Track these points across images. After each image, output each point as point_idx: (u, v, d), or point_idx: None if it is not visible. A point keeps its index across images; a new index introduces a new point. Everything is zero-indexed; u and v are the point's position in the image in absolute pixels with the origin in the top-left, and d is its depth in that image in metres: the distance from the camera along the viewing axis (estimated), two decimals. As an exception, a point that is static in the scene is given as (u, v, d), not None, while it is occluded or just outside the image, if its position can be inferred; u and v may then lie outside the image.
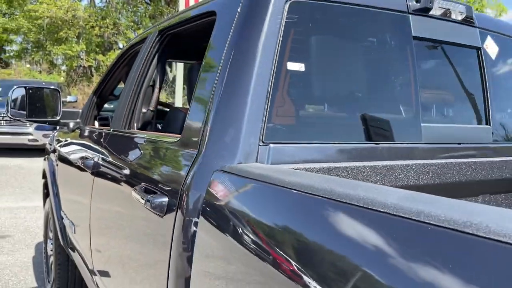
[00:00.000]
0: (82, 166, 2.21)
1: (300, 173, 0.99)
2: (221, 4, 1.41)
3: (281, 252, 0.79)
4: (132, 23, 25.33)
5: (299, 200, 0.84)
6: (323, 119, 1.35)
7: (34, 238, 4.58)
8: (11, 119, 9.29)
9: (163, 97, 16.84)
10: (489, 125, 1.61)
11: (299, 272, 0.73)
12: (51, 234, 3.32)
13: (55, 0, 22.02)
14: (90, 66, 24.02)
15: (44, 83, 11.82)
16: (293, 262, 0.75)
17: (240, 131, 1.14)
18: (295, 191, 0.84)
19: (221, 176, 1.08)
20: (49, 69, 25.57)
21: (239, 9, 1.28)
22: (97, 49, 23.81)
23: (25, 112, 2.43)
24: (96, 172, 1.97)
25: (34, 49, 25.56)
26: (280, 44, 1.20)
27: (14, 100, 2.46)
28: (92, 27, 23.04)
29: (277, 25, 1.21)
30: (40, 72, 24.73)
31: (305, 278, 0.71)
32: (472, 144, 1.54)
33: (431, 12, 1.49)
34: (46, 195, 3.55)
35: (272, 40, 1.20)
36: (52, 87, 2.67)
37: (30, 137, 9.60)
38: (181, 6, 10.49)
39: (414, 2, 1.47)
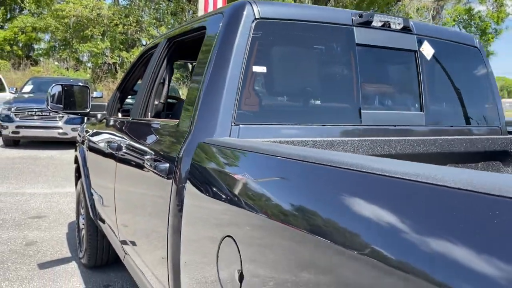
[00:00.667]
0: (107, 148, 2.74)
1: (260, 142, 1.47)
2: (209, 22, 1.89)
3: (245, 198, 1.23)
4: (154, 20, 26.03)
5: (257, 160, 1.30)
6: (280, 107, 1.82)
7: (67, 219, 5.18)
8: (44, 114, 10.00)
9: (183, 90, 17.54)
10: (422, 111, 2.04)
11: (263, 216, 1.10)
12: (82, 211, 3.89)
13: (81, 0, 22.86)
14: (114, 63, 24.87)
15: (71, 80, 12.56)
16: (251, 203, 1.19)
17: (218, 116, 1.62)
18: (255, 153, 1.30)
19: (203, 145, 1.56)
20: (75, 66, 26.57)
21: (220, 26, 1.76)
22: (121, 46, 24.62)
23: (61, 106, 2.97)
24: (119, 152, 2.49)
25: (61, 47, 26.56)
26: (247, 52, 1.67)
27: (53, 96, 2.99)
28: (116, 25, 23.83)
29: (246, 38, 1.68)
30: (67, 69, 25.73)
31: (268, 219, 1.09)
32: (406, 126, 1.98)
33: (372, 24, 1.93)
34: (77, 178, 4.13)
35: (242, 49, 1.67)
36: (83, 84, 3.21)
37: (60, 130, 10.28)
38: (201, 4, 11.04)
39: (358, 17, 1.91)
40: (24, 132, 10.23)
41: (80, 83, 3.41)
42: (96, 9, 23.20)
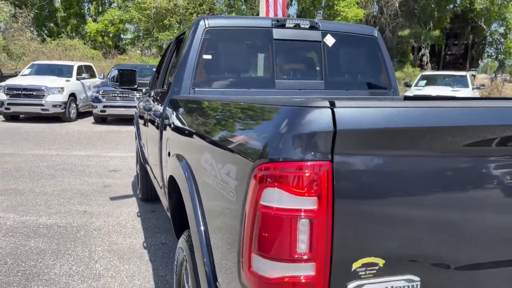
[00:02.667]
0: (141, 110, 4.17)
1: (206, 96, 2.75)
2: (188, 29, 3.17)
3: (193, 127, 2.52)
4: (226, 7, 27.71)
5: (205, 105, 2.56)
6: (220, 79, 3.06)
7: (134, 173, 6.82)
8: (125, 95, 11.93)
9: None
10: (322, 80, 3.18)
11: (198, 138, 2.48)
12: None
13: (159, -8, 25.09)
14: (190, 49, 26.92)
15: (148, 66, 14.48)
16: (195, 129, 2.50)
17: (182, 84, 2.91)
18: (204, 101, 2.57)
19: (173, 100, 2.87)
20: (157, 53, 29.21)
21: (190, 32, 3.04)
22: (196, 33, 26.57)
23: (118, 83, 4.44)
24: (146, 111, 3.89)
25: (144, 36, 29.31)
26: (200, 47, 2.94)
27: (113, 77, 4.47)
28: (191, 13, 25.84)
29: (199, 39, 2.95)
30: (149, 56, 28.34)
31: (202, 140, 2.47)
32: (309, 90, 3.13)
33: (286, 26, 3.10)
34: (135, 138, 5.70)
35: (197, 45, 2.94)
36: (132, 68, 4.69)
37: (136, 110, 12.21)
38: (262, 10, 12.36)
39: (276, 22, 3.09)
40: (109, 111, 12.30)
41: (134, 69, 4.88)
42: (173, 0, 25.39)
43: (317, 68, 3.20)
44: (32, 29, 29.14)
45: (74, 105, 13.27)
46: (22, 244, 3.95)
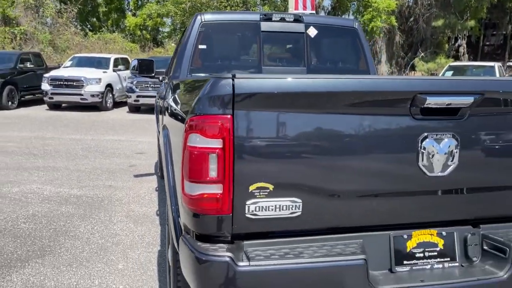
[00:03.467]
0: (157, 95, 4.75)
1: (184, 78, 3.27)
2: (189, 24, 3.70)
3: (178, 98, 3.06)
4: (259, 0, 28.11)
5: (177, 85, 3.10)
6: (213, 65, 3.56)
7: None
8: (156, 86, 12.62)
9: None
10: (305, 67, 3.62)
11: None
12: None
13: (194, -14, 25.80)
14: (223, 42, 27.59)
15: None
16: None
17: (181, 70, 3.44)
18: (178, 82, 3.10)
19: (175, 82, 3.41)
20: (192, 46, 30.02)
21: (189, 26, 3.56)
22: (229, 26, 27.19)
23: (137, 71, 5.04)
24: (158, 96, 4.46)
25: (181, 30, 30.20)
26: (196, 38, 3.46)
27: (134, 66, 5.08)
28: (225, 6, 26.42)
29: (196, 31, 3.46)
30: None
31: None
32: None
33: (273, 19, 3.56)
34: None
35: (194, 36, 3.46)
36: (150, 58, 5.28)
37: (156, 97, 12.98)
38: (291, 3, 12.79)
39: (264, 16, 3.56)
40: (142, 100, 13.09)
41: (152, 59, 5.48)
42: (207, -7, 26.06)
43: (301, 56, 3.65)
44: (76, 23, 30.69)
45: (111, 95, 14.17)
46: (55, 209, 4.64)
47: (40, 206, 4.73)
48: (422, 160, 1.69)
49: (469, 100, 1.66)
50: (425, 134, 1.68)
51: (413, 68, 22.24)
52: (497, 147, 1.78)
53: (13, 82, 13.44)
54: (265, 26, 3.54)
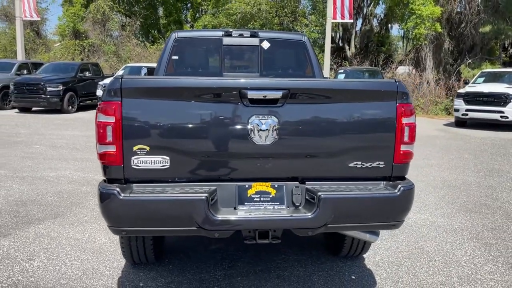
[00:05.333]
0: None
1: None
2: (170, 39, 4.67)
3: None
4: (310, 9, 28.91)
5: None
6: (184, 72, 4.49)
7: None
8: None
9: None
10: (258, 73, 4.45)
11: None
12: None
13: (244, -1, 27.16)
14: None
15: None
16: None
17: (158, 75, 4.42)
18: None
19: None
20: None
21: (166, 41, 4.53)
22: (277, 36, 28.19)
23: (146, 78, 6.11)
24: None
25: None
26: (170, 50, 4.42)
27: (144, 73, 6.14)
28: (273, 17, 27.52)
29: (171, 45, 4.42)
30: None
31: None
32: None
33: (233, 35, 4.44)
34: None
35: (168, 49, 4.42)
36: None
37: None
38: (329, 11, 13.50)
39: (225, 33, 4.45)
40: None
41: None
42: (257, 5, 27.29)
43: (255, 65, 4.48)
44: (138, 36, 33.23)
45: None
46: (77, 188, 5.79)
47: (67, 186, 5.91)
48: (253, 133, 2.50)
49: (278, 94, 2.46)
50: (254, 116, 2.49)
51: (459, 74, 21.88)
52: (308, 126, 2.55)
53: (73, 89, 15.30)
54: (226, 41, 4.42)
